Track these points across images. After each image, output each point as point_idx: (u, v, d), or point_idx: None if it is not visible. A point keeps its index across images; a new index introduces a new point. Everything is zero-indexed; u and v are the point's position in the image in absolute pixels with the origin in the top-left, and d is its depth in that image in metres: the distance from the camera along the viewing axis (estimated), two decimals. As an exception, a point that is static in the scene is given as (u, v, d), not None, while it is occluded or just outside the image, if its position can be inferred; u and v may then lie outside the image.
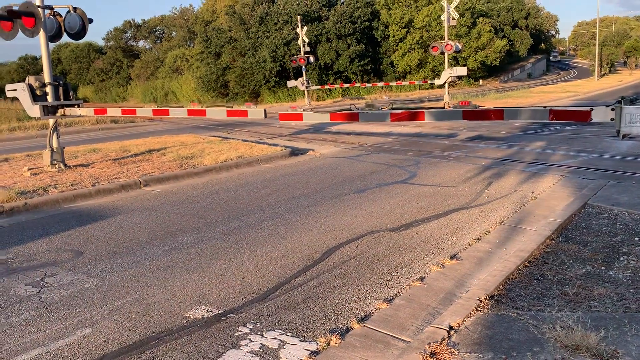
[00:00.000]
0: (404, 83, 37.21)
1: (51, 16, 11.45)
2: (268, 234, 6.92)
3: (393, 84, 36.11)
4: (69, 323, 4.56)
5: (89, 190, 9.38)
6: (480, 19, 55.48)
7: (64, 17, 11.54)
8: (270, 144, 15.26)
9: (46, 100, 11.23)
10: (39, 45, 11.30)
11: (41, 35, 11.05)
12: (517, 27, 72.53)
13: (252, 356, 3.93)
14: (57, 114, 11.43)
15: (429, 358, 3.72)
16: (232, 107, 9.91)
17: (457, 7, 25.55)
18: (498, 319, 4.30)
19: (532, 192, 8.89)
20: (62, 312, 4.78)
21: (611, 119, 5.45)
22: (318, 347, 4.05)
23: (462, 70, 27.42)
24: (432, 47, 27.82)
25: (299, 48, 31.44)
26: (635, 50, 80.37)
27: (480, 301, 4.59)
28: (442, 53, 27.42)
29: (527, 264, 5.57)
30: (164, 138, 17.19)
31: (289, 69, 45.11)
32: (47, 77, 11.25)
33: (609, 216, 7.26)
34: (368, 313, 4.64)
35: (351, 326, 4.39)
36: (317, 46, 47.37)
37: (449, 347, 3.86)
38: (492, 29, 56.26)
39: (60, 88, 11.44)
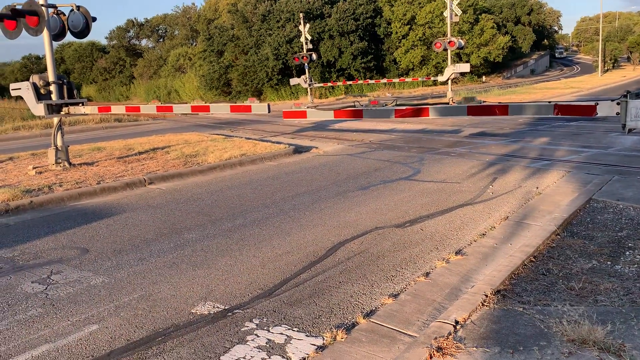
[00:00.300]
0: (406, 80, 37.22)
1: (55, 15, 11.48)
2: (273, 231, 6.94)
3: (396, 80, 36.08)
4: (75, 320, 4.58)
5: (94, 189, 9.41)
6: (483, 15, 55.35)
7: (67, 15, 11.57)
8: (273, 142, 15.27)
9: (50, 99, 11.27)
10: (43, 45, 11.34)
11: (45, 34, 11.08)
12: (519, 23, 72.33)
13: (259, 351, 3.95)
14: (62, 113, 11.46)
15: (435, 353, 3.72)
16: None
17: (459, 4, 25.52)
18: (504, 313, 4.30)
19: (537, 188, 8.88)
20: (69, 308, 4.80)
21: (617, 114, 5.44)
22: (324, 342, 4.06)
23: (465, 67, 27.37)
24: (435, 44, 27.78)
25: (302, 45, 31.44)
26: (639, 46, 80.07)
27: (486, 296, 4.59)
28: (445, 50, 27.37)
29: (533, 259, 5.57)
30: (167, 136, 17.22)
31: (292, 67, 45.16)
32: (51, 75, 11.27)
33: (614, 211, 7.25)
34: (374, 308, 4.65)
35: (357, 321, 4.40)
36: (320, 43, 47.37)
37: (455, 342, 3.86)
38: (495, 25, 56.11)
39: (65, 87, 11.47)
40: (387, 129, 18.59)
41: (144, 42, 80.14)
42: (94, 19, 11.63)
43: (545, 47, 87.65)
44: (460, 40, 27.82)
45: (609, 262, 5.39)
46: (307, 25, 30.99)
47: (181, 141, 15.65)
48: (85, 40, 72.72)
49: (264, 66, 47.43)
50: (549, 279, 5.05)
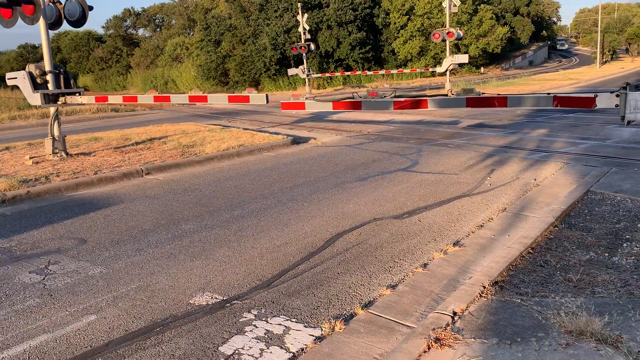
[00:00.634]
0: (405, 71, 37.07)
1: (51, 3, 11.37)
2: (271, 222, 6.93)
3: (394, 71, 35.95)
4: (73, 310, 4.58)
5: (91, 179, 9.38)
6: (482, 5, 55.07)
7: (63, 4, 11.46)
8: (271, 133, 15.23)
9: (47, 88, 11.19)
10: (39, 34, 11.26)
11: (41, 23, 10.98)
12: (518, 14, 72.05)
13: (257, 342, 3.95)
14: (58, 102, 11.39)
15: (433, 343, 3.73)
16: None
17: (458, -6, 25.40)
18: (502, 305, 4.31)
19: (535, 180, 8.88)
20: (67, 299, 4.80)
21: (616, 105, 5.43)
22: (323, 332, 4.06)
23: (464, 58, 27.27)
24: (434, 35, 27.66)
25: (300, 36, 31.27)
26: (638, 37, 79.95)
27: (484, 287, 4.60)
28: (444, 40, 27.27)
29: (530, 251, 5.58)
30: (164, 126, 17.16)
31: (290, 57, 44.97)
32: (47, 65, 11.19)
33: (612, 203, 7.26)
34: (372, 299, 4.65)
35: (355, 312, 4.40)
36: (318, 34, 47.14)
37: (453, 333, 3.87)
38: (494, 16, 55.88)
39: (61, 76, 11.39)
40: (385, 120, 18.56)
41: (140, 31, 79.74)
42: (91, 8, 11.53)
43: (544, 39, 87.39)
44: (459, 31, 27.71)
45: (606, 254, 5.41)
46: (305, 15, 30.79)
47: (178, 131, 15.60)
48: (81, 29, 72.31)
49: (261, 56, 47.22)
50: (546, 270, 5.07)
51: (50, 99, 11.23)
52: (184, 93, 45.45)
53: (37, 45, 79.67)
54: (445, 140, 13.51)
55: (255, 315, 4.37)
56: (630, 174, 8.87)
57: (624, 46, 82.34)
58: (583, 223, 6.47)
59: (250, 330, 4.13)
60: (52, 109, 11.45)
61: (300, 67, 30.79)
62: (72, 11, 11.44)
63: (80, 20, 11.70)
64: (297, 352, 3.82)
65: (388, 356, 3.68)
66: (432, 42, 31.47)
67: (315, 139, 14.23)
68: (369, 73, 36.99)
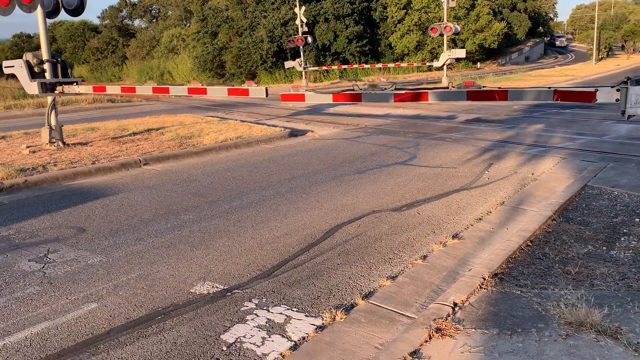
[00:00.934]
0: (402, 65, 37.08)
1: (48, -8, 11.27)
2: (270, 213, 6.93)
3: (391, 65, 35.94)
4: (74, 298, 4.58)
5: (89, 168, 9.35)
6: (479, 0, 55.00)
7: (61, -8, 11.37)
8: (269, 125, 15.21)
9: (44, 77, 11.12)
10: (33, 23, 11.17)
11: (38, 11, 10.90)
12: (515, 10, 72.01)
13: (259, 330, 3.97)
14: (56, 92, 11.33)
15: (434, 333, 3.76)
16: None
17: (457, -12, 25.38)
18: (502, 296, 4.34)
19: (532, 174, 8.92)
20: (67, 287, 4.79)
21: (616, 100, 5.45)
22: (324, 322, 4.08)
23: (461, 53, 27.32)
24: (431, 29, 27.66)
25: (297, 28, 31.20)
26: (634, 34, 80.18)
27: (484, 279, 4.63)
28: (441, 35, 27.28)
29: (529, 244, 5.61)
30: (162, 118, 17.10)
31: (286, 50, 44.83)
32: (44, 53, 11.12)
33: (609, 197, 7.30)
34: (372, 290, 4.67)
35: (356, 302, 4.42)
36: (315, 26, 46.97)
37: (454, 323, 3.90)
38: (491, 11, 55.84)
39: (59, 65, 11.32)
40: (382, 113, 18.56)
41: (136, 22, 79.18)
42: (89, -3, 11.45)
43: (540, 35, 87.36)
44: (456, 25, 27.73)
45: (604, 248, 5.45)
46: (303, 8, 30.71)
47: (176, 122, 15.55)
48: (77, 19, 71.75)
49: (258, 48, 47.03)
50: (545, 263, 5.10)
51: (48, 88, 11.17)
52: (182, 85, 45.23)
53: (32, 34, 78.99)
54: (442, 134, 13.53)
55: (256, 305, 4.38)
56: (627, 170, 8.92)
57: (619, 43, 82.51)
58: (581, 217, 6.51)
59: (252, 319, 4.14)
60: (49, 98, 11.38)
61: (297, 59, 30.74)
62: (70, 0, 11.36)
63: (78, 9, 11.63)
64: (298, 340, 3.83)
65: (389, 345, 3.71)
66: (430, 36, 31.41)
67: (312, 131, 14.22)
68: (365, 66, 36.92)
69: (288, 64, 31.77)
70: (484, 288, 4.51)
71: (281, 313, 4.24)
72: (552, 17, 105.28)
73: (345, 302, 4.45)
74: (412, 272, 5.05)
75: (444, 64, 27.32)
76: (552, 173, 8.98)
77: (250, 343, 3.80)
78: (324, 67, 37.37)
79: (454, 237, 6.01)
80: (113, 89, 12.51)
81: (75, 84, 11.44)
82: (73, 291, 4.71)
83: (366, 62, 44.80)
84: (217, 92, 10.36)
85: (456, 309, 4.15)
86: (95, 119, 18.00)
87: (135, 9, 76.96)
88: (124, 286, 4.80)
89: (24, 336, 3.96)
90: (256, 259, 5.39)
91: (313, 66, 37.66)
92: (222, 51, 51.22)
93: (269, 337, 3.88)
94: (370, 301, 4.45)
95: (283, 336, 3.89)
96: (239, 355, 3.67)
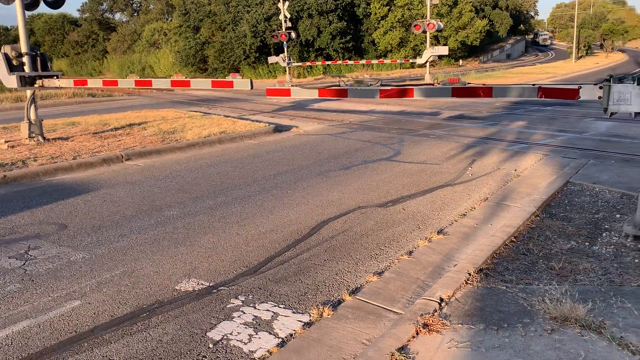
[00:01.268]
0: (385, 61, 37.11)
1: (28, -17, 11.05)
2: (255, 209, 6.90)
3: (374, 62, 36.01)
4: (56, 295, 4.50)
5: (70, 164, 9.20)
6: (462, -2, 55.28)
7: (41, -16, 11.15)
8: (252, 120, 15.13)
9: (23, 70, 10.90)
10: (11, 15, 11.01)
11: (17, 3, 10.69)
12: (497, 8, 72.57)
13: (246, 327, 3.94)
14: (35, 85, 11.11)
15: (421, 329, 3.77)
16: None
17: (440, -14, 25.51)
18: (488, 291, 4.37)
19: (515, 170, 9.01)
20: (49, 284, 4.71)
21: (599, 97, 5.51)
22: (311, 318, 4.07)
23: (444, 50, 27.49)
24: (415, 26, 27.75)
25: (280, 23, 31.05)
26: (612, 33, 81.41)
27: (470, 274, 4.66)
28: (424, 32, 27.38)
29: (513, 239, 5.66)
30: (143, 112, 16.90)
31: (270, 45, 44.57)
32: (23, 46, 10.89)
33: (591, 194, 7.40)
34: (359, 286, 4.67)
35: (343, 298, 4.42)
36: (299, 22, 46.80)
37: (440, 319, 3.92)
38: (473, 8, 56.15)
39: (38, 58, 11.10)
40: (367, 110, 18.58)
41: (117, 15, 78.05)
42: (69, -11, 11.24)
43: (521, 32, 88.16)
44: (439, 22, 27.86)
45: (587, 243, 5.52)
46: (287, 3, 30.55)
47: (158, 117, 15.39)
48: (55, 12, 70.52)
49: (241, 43, 46.71)
50: (529, 258, 5.15)
51: (27, 81, 10.94)
52: (165, 78, 44.75)
53: (9, 27, 77.45)
54: (426, 130, 13.60)
55: (242, 301, 4.35)
56: (607, 166, 9.05)
57: (598, 42, 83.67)
58: (563, 213, 6.59)
59: (238, 316, 4.11)
60: (28, 92, 11.16)
61: (281, 55, 30.60)
62: (49, -8, 11.14)
63: (58, 2, 11.44)
64: (286, 337, 3.82)
65: (377, 341, 3.71)
66: (413, 33, 31.46)
67: (297, 127, 14.18)
68: (349, 63, 36.94)
69: (271, 59, 31.62)
70: (470, 283, 4.54)
71: (268, 310, 4.22)
72: (533, 15, 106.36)
73: (332, 298, 4.44)
74: (399, 268, 5.06)
75: (426, 61, 27.44)
76: (534, 169, 9.08)
77: (237, 340, 3.78)
78: (308, 63, 37.29)
79: (439, 232, 6.04)
80: (95, 83, 12.32)
81: (55, 77, 11.24)
82: (55, 288, 4.63)
83: (350, 59, 44.80)
84: (201, 85, 10.30)
85: (442, 304, 4.17)
86: (75, 113, 17.72)
87: (116, 3, 75.88)
88: (108, 283, 4.73)
89: (5, 335, 3.88)
90: (242, 255, 5.36)
91: (297, 62, 37.54)
92: (204, 46, 50.77)
93: (256, 334, 3.86)
94: (357, 297, 4.45)
95: (270, 333, 3.87)
96: (226, 352, 3.64)
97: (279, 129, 13.67)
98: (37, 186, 8.19)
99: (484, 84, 6.99)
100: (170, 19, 66.92)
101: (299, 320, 4.04)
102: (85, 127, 13.40)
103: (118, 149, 10.50)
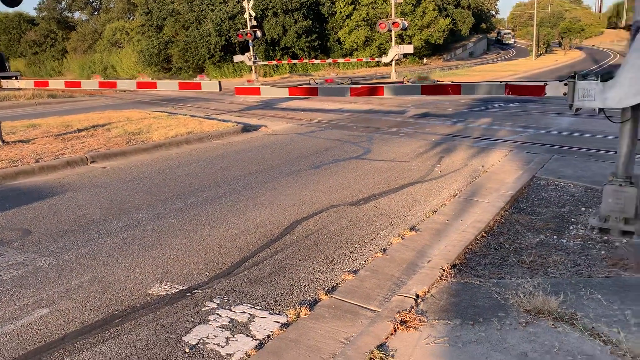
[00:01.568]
0: (351, 60, 37.26)
1: (-17, -20, 10.64)
2: (227, 210, 6.81)
3: (341, 61, 36.10)
4: (23, 304, 4.35)
5: (32, 167, 8.91)
6: (425, -3, 55.95)
7: (-3, -18, 10.76)
8: (220, 120, 14.96)
9: (-20, 71, 10.52)
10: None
11: (-28, 1, 10.28)
12: (459, 7, 73.75)
13: (222, 330, 3.88)
14: (-7, 87, 10.73)
15: (399, 326, 3.78)
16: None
17: (404, -15, 25.76)
18: (462, 287, 4.43)
19: (483, 166, 9.15)
20: (14, 292, 4.55)
21: (564, 94, 5.65)
22: (288, 319, 4.04)
23: (409, 48, 27.78)
24: (380, 24, 27.94)
25: (245, 22, 30.81)
26: (570, 32, 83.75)
27: (444, 270, 4.71)
28: (389, 30, 27.57)
29: (484, 234, 5.75)
30: (107, 113, 16.50)
31: (235, 44, 44.23)
32: (-20, 46, 10.50)
33: (556, 188, 7.58)
34: (335, 284, 4.67)
35: (319, 298, 4.40)
36: (264, 21, 46.58)
37: (417, 315, 3.94)
38: (436, 7, 56.94)
39: (-5, 58, 10.72)
40: (335, 108, 18.61)
41: (77, 14, 76.06)
42: (27, -13, 10.88)
43: (483, 31, 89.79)
44: (404, 21, 28.12)
45: (555, 237, 5.65)
46: (251, 2, 30.33)
47: (122, 118, 15.05)
48: (11, 10, 68.30)
49: (205, 42, 46.20)
50: (501, 253, 5.24)
51: (-16, 82, 10.56)
52: (129, 79, 43.91)
53: (-38, 26, 74.54)
54: (394, 129, 13.70)
55: (217, 304, 4.29)
56: (571, 161, 9.29)
57: (557, 40, 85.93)
58: (531, 207, 6.73)
59: (214, 319, 4.05)
60: (-15, 94, 10.77)
61: (247, 54, 30.39)
62: (6, -11, 10.76)
63: (15, 0, 11.03)
64: (263, 339, 3.78)
65: (355, 340, 3.71)
66: (378, 32, 31.63)
67: (265, 126, 14.09)
68: (315, 61, 36.95)
69: (237, 58, 31.37)
70: (444, 279, 4.59)
71: (244, 312, 4.17)
72: (494, 14, 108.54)
73: (308, 297, 4.42)
74: (373, 266, 5.08)
75: (392, 60, 27.68)
76: (501, 165, 9.25)
77: (214, 344, 3.72)
78: (274, 62, 37.14)
79: (411, 229, 6.08)
80: (56, 84, 11.98)
81: (14, 78, 10.87)
82: (21, 296, 4.47)
83: (316, 57, 44.84)
84: (168, 86, 10.09)
85: (418, 300, 4.19)
86: (35, 115, 17.17)
87: (75, 1, 73.94)
88: (77, 289, 4.59)
89: (-30, 346, 3.72)
90: (215, 257, 5.28)
91: (263, 61, 37.34)
92: (168, 45, 50.01)
93: (233, 336, 3.81)
94: (334, 296, 4.44)
95: (247, 335, 3.82)
96: (203, 356, 3.58)
97: (247, 128, 13.56)
98: (-2, 191, 7.90)
99: (452, 82, 7.08)
100: (132, 17, 65.64)
101: (276, 322, 4.01)
102: (47, 129, 13.01)
103: (82, 151, 10.23)
